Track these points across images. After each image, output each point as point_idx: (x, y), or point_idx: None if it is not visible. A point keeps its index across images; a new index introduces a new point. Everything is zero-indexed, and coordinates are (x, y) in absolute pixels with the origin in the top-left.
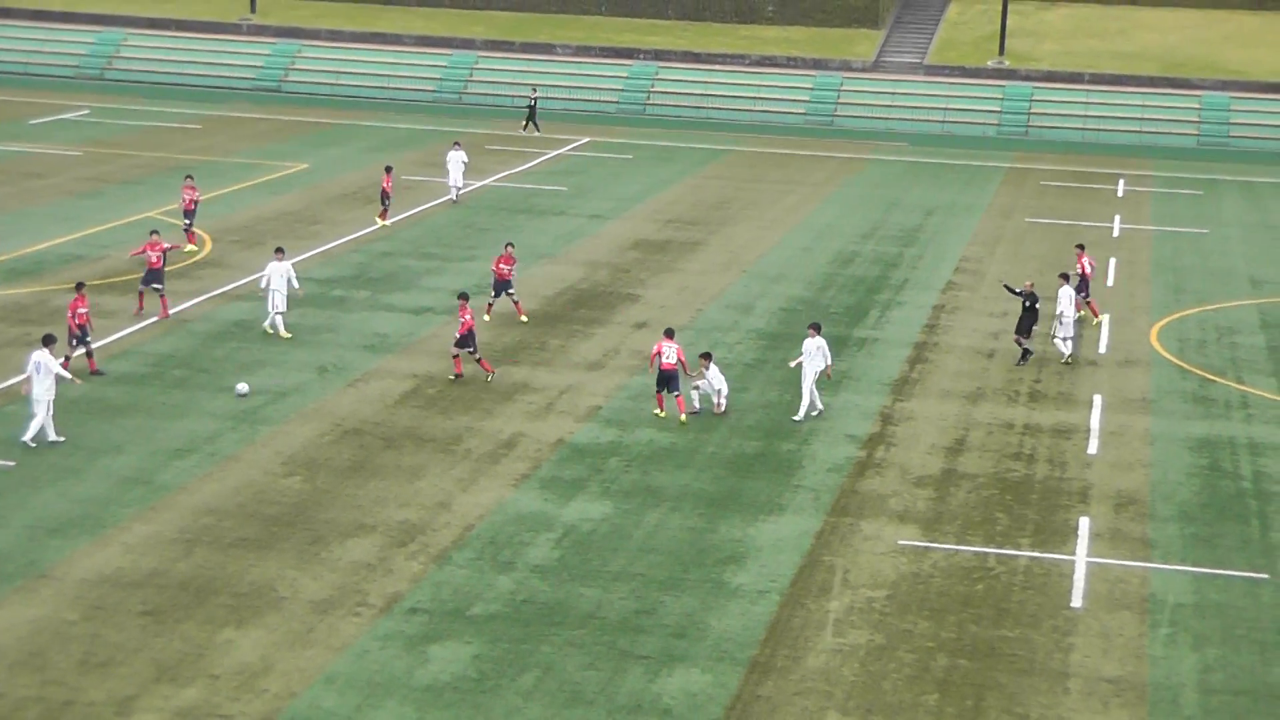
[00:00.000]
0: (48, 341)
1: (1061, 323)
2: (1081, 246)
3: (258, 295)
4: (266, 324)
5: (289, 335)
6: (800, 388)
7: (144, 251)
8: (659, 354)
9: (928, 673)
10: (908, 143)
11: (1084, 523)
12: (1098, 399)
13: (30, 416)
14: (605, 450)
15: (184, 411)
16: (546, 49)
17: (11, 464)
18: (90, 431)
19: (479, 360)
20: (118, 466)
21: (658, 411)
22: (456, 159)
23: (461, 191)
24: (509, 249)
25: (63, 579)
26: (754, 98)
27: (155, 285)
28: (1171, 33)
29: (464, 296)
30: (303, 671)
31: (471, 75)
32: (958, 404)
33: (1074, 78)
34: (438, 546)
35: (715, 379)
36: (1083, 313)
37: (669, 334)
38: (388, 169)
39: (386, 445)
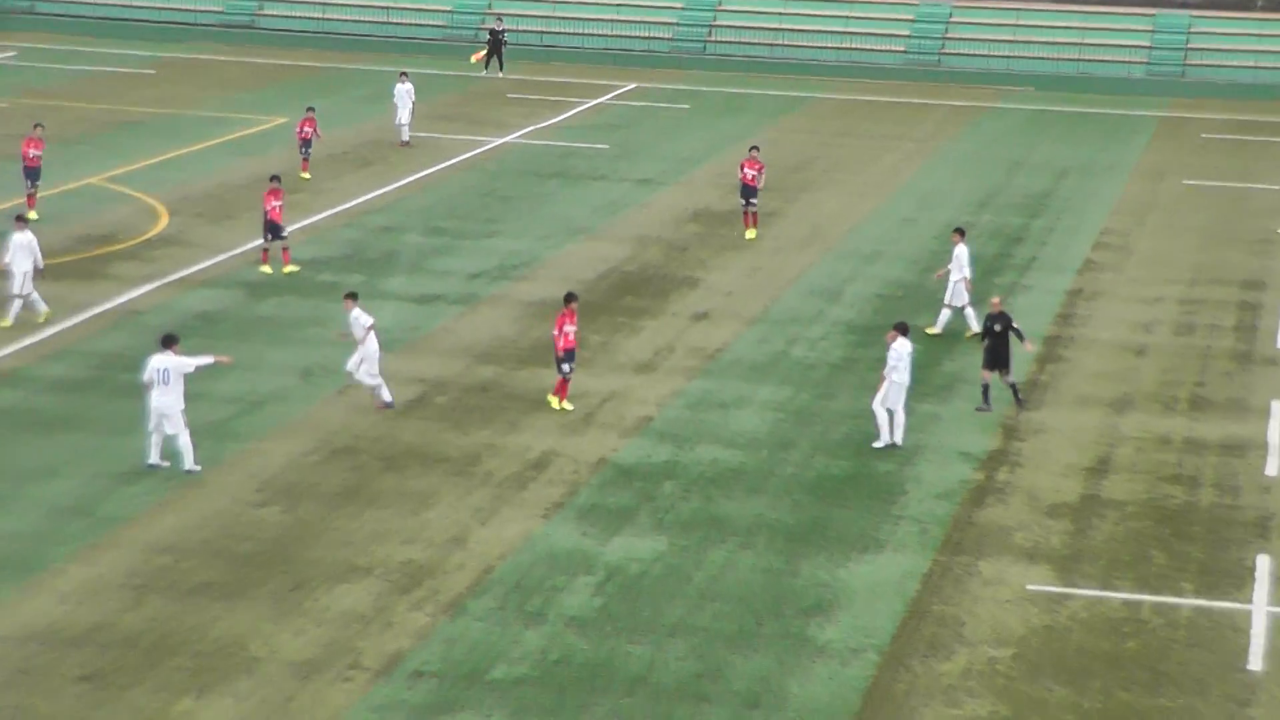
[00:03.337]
0: (169, 342)
1: (954, 289)
2: (756, 147)
3: (217, 281)
4: (11, 317)
5: (47, 312)
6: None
7: None
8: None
9: None
10: (1034, 87)
11: (1262, 562)
12: (1277, 406)
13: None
14: (658, 472)
15: (134, 425)
16: None
17: None
18: (17, 451)
19: None
20: (51, 494)
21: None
22: (404, 94)
23: (409, 130)
24: (273, 183)
25: None
26: (841, 33)
27: None
28: None
29: None
30: None
31: (490, 6)
32: (1100, 413)
33: (1243, 4)
34: (450, 593)
35: (358, 323)
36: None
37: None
38: (309, 109)
39: (386, 467)
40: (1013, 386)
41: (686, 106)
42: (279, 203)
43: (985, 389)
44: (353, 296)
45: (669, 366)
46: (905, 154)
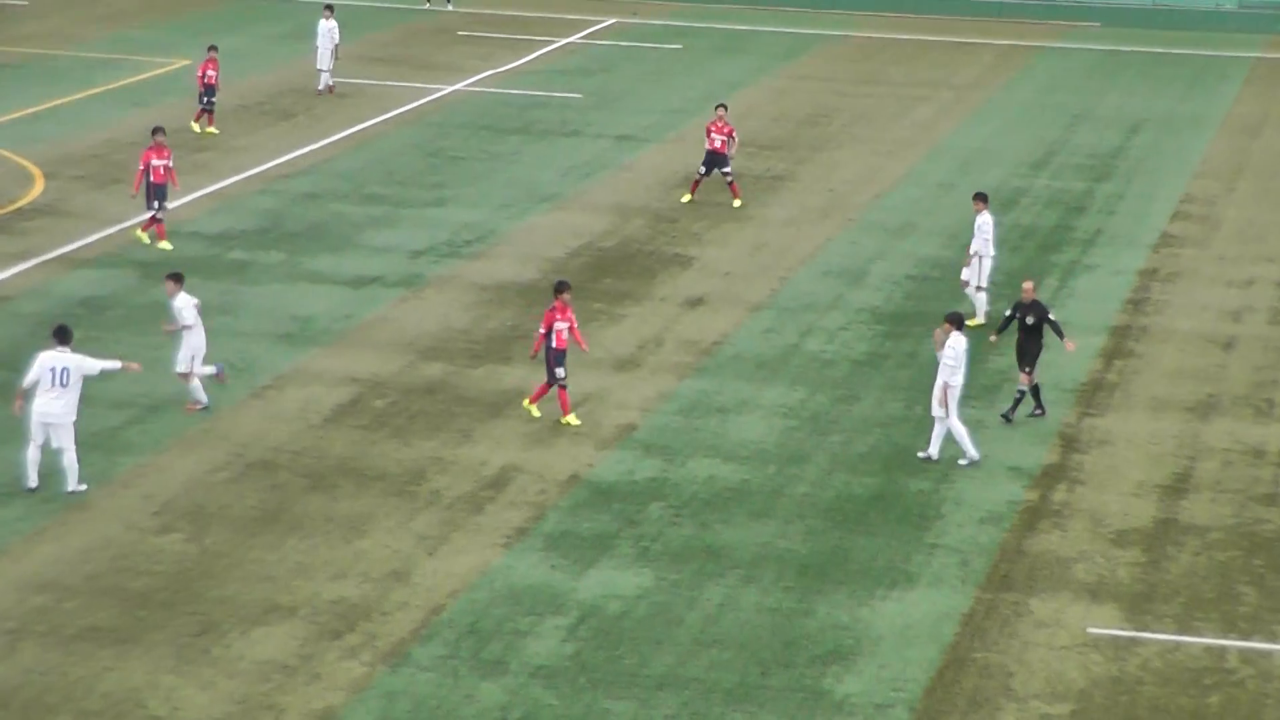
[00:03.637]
0: (65, 336)
1: (981, 266)
2: (724, 105)
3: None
4: None
5: None
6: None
7: None
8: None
9: None
10: (1101, 22)
11: None
12: None
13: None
14: (643, 491)
15: (5, 434)
16: None
17: None
18: None
19: None
20: None
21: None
22: (325, 33)
23: (330, 77)
24: (157, 136)
25: None
26: None
27: None
28: None
29: None
30: None
31: None
32: (1179, 419)
33: None
34: (390, 638)
35: (185, 311)
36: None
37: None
38: (211, 48)
39: (311, 485)
40: (1021, 393)
41: (677, 46)
42: (166, 161)
43: (1035, 391)
44: (176, 278)
45: (656, 363)
46: (943, 105)
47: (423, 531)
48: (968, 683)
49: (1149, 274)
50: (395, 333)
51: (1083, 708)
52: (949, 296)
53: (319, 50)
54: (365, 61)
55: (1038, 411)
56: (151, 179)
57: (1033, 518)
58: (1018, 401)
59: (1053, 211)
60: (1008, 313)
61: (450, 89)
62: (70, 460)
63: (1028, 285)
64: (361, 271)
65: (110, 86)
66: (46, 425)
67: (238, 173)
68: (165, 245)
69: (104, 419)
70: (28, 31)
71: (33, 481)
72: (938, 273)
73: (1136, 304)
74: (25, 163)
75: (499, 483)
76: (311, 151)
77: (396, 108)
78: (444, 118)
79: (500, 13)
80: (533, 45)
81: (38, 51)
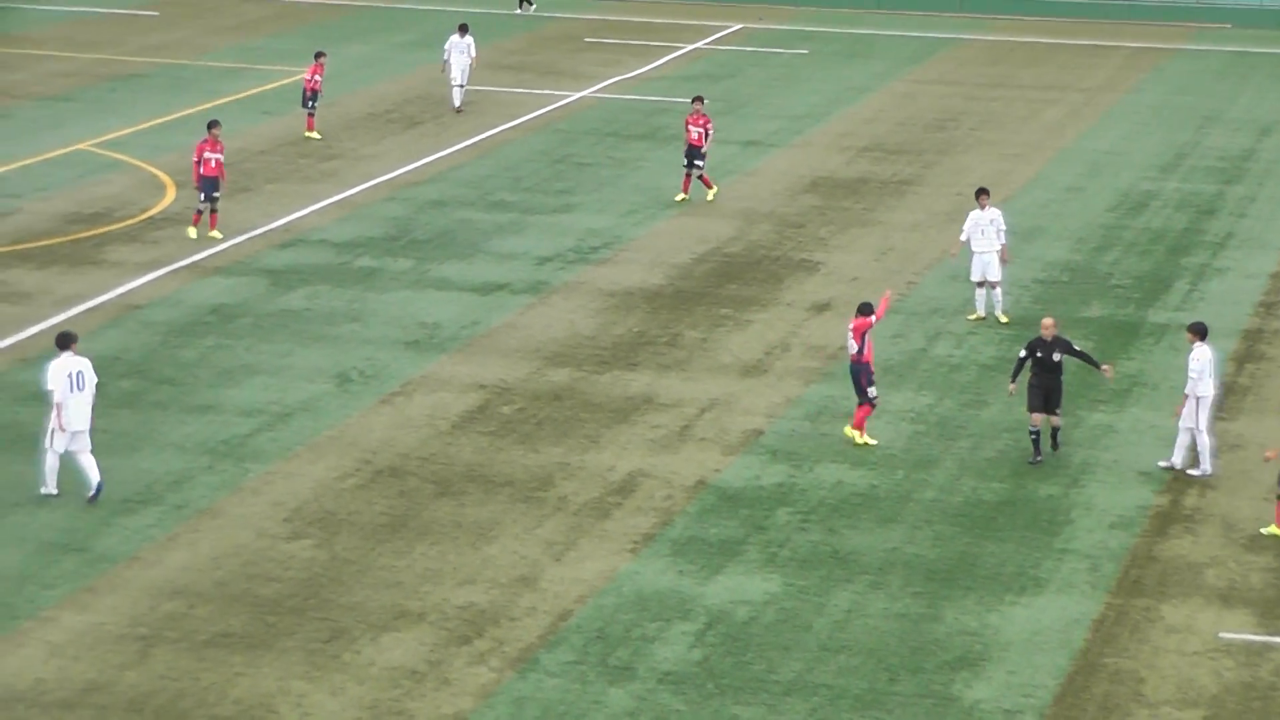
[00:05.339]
0: (69, 341)
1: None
2: (700, 98)
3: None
4: None
5: None
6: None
7: None
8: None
9: None
10: (1232, 23)
11: None
12: None
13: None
14: (770, 497)
15: (137, 442)
16: None
17: None
18: None
19: None
20: (37, 526)
21: (861, 437)
22: (462, 49)
23: (465, 92)
24: (212, 130)
25: None
26: None
27: None
28: None
29: None
30: None
31: None
32: None
33: None
34: (518, 644)
35: None
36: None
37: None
38: (318, 55)
39: (440, 491)
40: (1056, 432)
41: (803, 51)
42: (219, 155)
43: (1036, 437)
44: None
45: (782, 368)
46: (1071, 108)
47: (550, 537)
48: (1098, 689)
49: None
50: (522, 339)
51: (1215, 714)
52: (1077, 300)
53: (450, 66)
54: (492, 69)
55: (1038, 459)
56: (203, 171)
57: (1164, 523)
58: (1054, 440)
59: (1183, 215)
60: (1021, 354)
61: (576, 96)
62: (91, 459)
63: (1049, 322)
64: (489, 278)
65: (237, 96)
66: (74, 432)
67: (365, 180)
68: (193, 233)
69: (234, 426)
70: (158, 42)
71: (52, 487)
72: (1066, 276)
73: (1268, 307)
74: (156, 172)
75: (626, 489)
76: (439, 159)
77: (523, 115)
78: (570, 124)
79: (627, 19)
80: (659, 51)
81: (167, 61)
